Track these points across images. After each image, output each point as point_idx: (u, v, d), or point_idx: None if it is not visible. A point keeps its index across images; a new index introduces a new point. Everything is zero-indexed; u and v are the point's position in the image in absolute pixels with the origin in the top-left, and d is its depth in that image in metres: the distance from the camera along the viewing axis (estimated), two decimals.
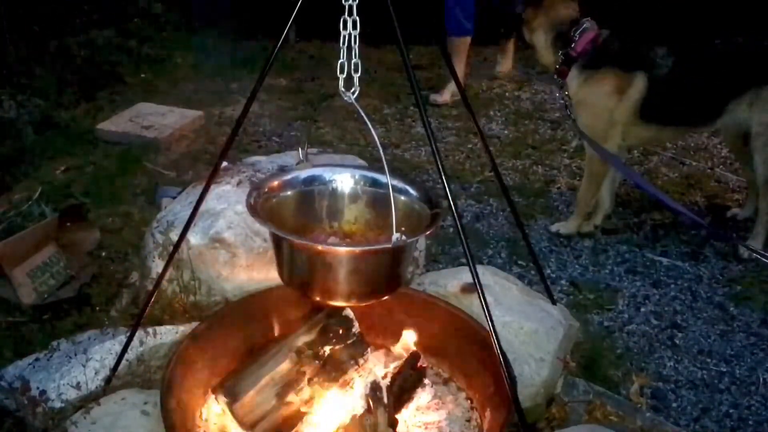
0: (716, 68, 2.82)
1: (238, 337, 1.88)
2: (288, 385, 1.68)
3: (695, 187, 3.58)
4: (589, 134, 2.78)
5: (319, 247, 1.57)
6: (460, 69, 4.28)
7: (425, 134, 1.56)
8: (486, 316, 1.52)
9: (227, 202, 2.17)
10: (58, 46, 4.64)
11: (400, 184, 1.65)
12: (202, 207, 1.79)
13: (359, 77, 1.47)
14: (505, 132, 4.19)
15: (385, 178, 1.51)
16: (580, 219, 3.13)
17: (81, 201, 3.04)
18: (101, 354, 1.83)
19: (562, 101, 2.90)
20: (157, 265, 2.08)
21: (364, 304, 1.65)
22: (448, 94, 4.43)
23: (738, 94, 2.80)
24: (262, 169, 2.38)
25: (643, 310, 2.70)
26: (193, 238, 2.06)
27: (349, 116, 4.16)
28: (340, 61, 1.45)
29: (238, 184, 2.27)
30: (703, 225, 3.02)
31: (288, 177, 1.74)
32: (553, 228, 3.14)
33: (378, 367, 1.80)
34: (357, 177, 1.74)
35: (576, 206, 3.15)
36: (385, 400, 1.65)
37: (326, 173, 1.76)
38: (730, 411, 2.23)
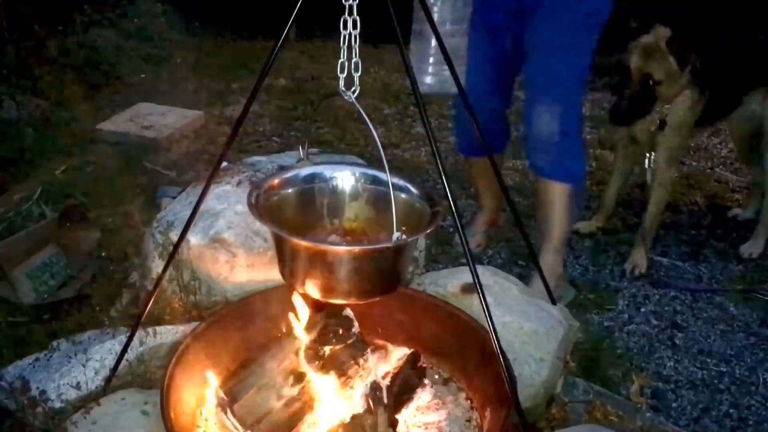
0: (737, 63, 2.83)
1: (238, 337, 1.88)
2: (288, 385, 1.68)
3: (695, 187, 3.59)
4: (674, 156, 2.79)
5: (320, 246, 1.57)
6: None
7: (425, 134, 1.56)
8: (486, 316, 1.52)
9: (227, 202, 2.17)
10: (58, 46, 4.64)
11: (400, 182, 1.65)
12: (202, 207, 1.79)
13: (359, 76, 1.47)
14: None
15: (386, 176, 1.51)
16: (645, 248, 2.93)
17: (81, 201, 3.04)
18: (101, 354, 1.83)
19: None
20: (157, 265, 2.08)
21: (364, 302, 1.65)
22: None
23: (753, 87, 2.82)
24: (262, 169, 2.38)
25: (643, 310, 2.70)
26: (193, 238, 2.06)
27: (349, 116, 4.16)
28: (340, 61, 1.45)
29: (238, 184, 2.27)
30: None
31: (288, 175, 1.74)
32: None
33: (378, 367, 1.80)
34: (357, 175, 1.74)
35: (644, 236, 2.90)
36: (385, 400, 1.65)
37: (327, 171, 1.76)
38: (730, 411, 2.23)
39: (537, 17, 2.39)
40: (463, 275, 2.12)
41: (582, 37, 2.40)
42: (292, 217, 1.69)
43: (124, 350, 1.81)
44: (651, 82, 2.60)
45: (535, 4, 2.39)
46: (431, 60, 2.24)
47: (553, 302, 2.15)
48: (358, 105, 1.46)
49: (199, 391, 1.75)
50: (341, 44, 1.44)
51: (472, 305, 1.92)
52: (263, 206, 1.60)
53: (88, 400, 1.72)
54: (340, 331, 1.75)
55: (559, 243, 2.57)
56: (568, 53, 2.39)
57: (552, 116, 2.43)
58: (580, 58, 2.43)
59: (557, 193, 2.52)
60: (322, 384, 1.71)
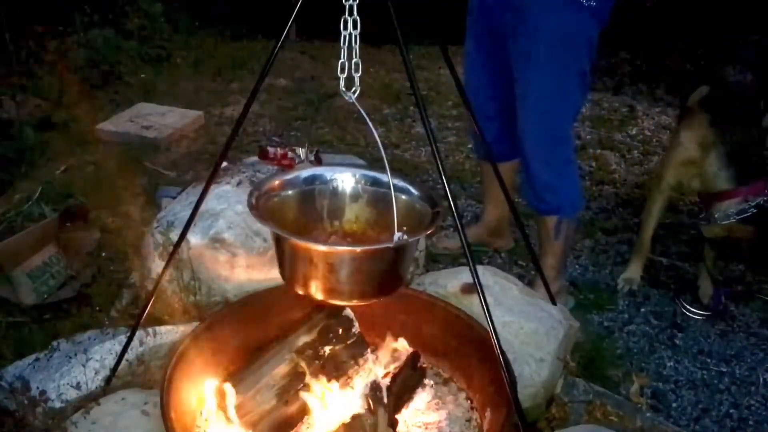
0: None
1: (238, 337, 1.88)
2: (288, 385, 1.68)
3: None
4: None
5: (321, 247, 1.57)
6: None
7: (425, 134, 1.56)
8: (486, 316, 1.52)
9: (227, 202, 2.17)
10: (58, 46, 4.64)
11: (401, 183, 1.66)
12: (202, 207, 1.79)
13: (359, 77, 1.47)
14: None
15: (386, 177, 1.51)
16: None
17: (81, 201, 3.05)
18: (101, 354, 1.83)
19: None
20: (157, 265, 2.08)
21: (365, 303, 1.65)
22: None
23: None
24: (262, 169, 2.38)
25: (643, 310, 2.69)
26: (193, 238, 2.06)
27: (349, 116, 4.16)
28: (340, 61, 1.45)
29: (238, 184, 2.27)
30: None
31: (289, 176, 1.75)
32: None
33: (378, 367, 1.80)
34: (358, 176, 1.75)
35: (715, 277, 2.72)
36: (385, 400, 1.65)
37: (327, 172, 1.76)
38: (730, 411, 2.23)
39: (518, 39, 2.27)
40: (463, 275, 2.12)
41: (561, 58, 2.23)
42: (293, 218, 1.69)
43: (124, 350, 1.81)
44: None
45: (515, 22, 2.27)
46: None
47: (553, 302, 2.16)
48: (358, 105, 1.46)
49: (199, 391, 1.75)
50: (341, 44, 1.44)
51: (472, 305, 1.92)
52: (263, 207, 1.61)
53: (88, 400, 1.72)
54: (340, 331, 1.75)
55: (556, 263, 2.53)
56: (547, 78, 2.26)
57: (539, 155, 2.38)
58: (561, 83, 2.28)
59: (546, 223, 2.49)
60: (321, 384, 1.71)
